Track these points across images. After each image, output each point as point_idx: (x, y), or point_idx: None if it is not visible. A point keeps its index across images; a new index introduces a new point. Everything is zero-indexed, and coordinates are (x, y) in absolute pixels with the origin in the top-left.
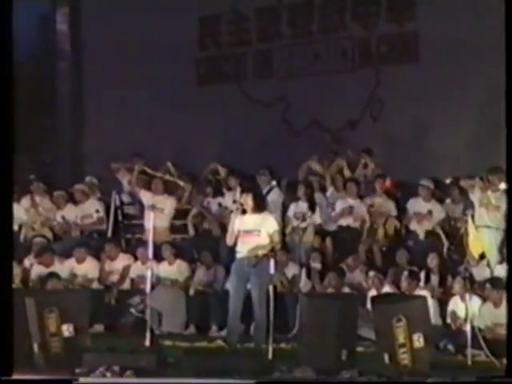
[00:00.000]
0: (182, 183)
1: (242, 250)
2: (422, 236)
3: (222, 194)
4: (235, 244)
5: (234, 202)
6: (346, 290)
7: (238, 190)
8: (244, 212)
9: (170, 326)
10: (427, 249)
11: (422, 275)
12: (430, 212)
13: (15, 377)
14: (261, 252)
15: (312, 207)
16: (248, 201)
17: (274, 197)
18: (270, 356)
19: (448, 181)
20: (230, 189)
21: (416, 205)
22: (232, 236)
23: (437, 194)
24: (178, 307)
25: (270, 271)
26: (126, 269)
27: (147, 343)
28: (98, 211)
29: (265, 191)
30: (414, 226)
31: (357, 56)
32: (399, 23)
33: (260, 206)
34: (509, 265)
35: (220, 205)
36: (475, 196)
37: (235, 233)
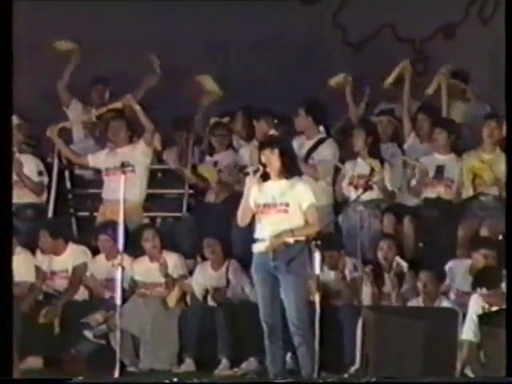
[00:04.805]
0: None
1: (262, 234)
2: None
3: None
4: (251, 225)
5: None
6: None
7: (255, 142)
8: (266, 177)
9: (154, 360)
10: None
11: None
12: None
13: None
14: (291, 237)
15: (379, 168)
16: (272, 160)
17: (326, 154)
18: None
19: None
20: (250, 137)
21: None
22: (246, 212)
23: None
24: (166, 329)
25: (307, 268)
26: (79, 269)
27: None
28: (40, 173)
29: (310, 145)
30: None
31: None
32: None
33: (290, 167)
34: (508, 264)
35: (236, 165)
36: None
37: (251, 207)
